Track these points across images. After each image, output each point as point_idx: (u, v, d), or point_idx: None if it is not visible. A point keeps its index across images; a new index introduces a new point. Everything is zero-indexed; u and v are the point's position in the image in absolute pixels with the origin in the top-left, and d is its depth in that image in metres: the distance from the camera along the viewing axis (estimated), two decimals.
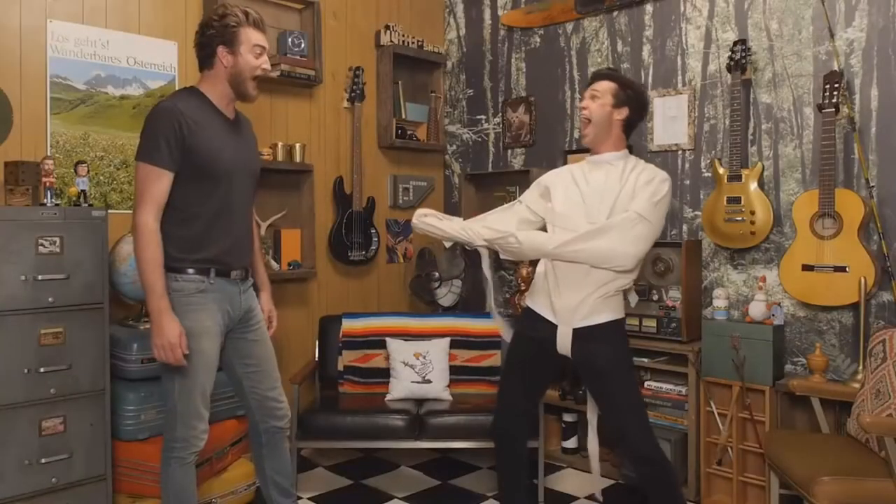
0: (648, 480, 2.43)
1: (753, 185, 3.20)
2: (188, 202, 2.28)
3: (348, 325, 3.66)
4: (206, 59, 2.35)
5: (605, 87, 2.49)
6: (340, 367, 3.63)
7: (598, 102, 2.48)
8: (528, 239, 2.47)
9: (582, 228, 2.40)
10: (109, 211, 2.87)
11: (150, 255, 2.20)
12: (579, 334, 2.43)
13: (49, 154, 3.01)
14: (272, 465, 2.64)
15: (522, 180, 4.15)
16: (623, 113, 2.48)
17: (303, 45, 3.77)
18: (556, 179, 2.59)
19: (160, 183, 2.22)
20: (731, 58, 3.23)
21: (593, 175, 2.50)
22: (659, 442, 2.51)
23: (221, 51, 2.31)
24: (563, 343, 2.45)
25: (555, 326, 2.47)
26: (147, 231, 2.20)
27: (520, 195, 4.18)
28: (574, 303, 2.41)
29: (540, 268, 2.57)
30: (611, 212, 2.40)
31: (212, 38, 2.31)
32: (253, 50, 2.32)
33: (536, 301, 2.56)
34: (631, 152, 2.56)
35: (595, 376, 2.47)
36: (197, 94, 2.35)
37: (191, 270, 2.29)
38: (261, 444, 2.62)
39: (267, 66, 2.38)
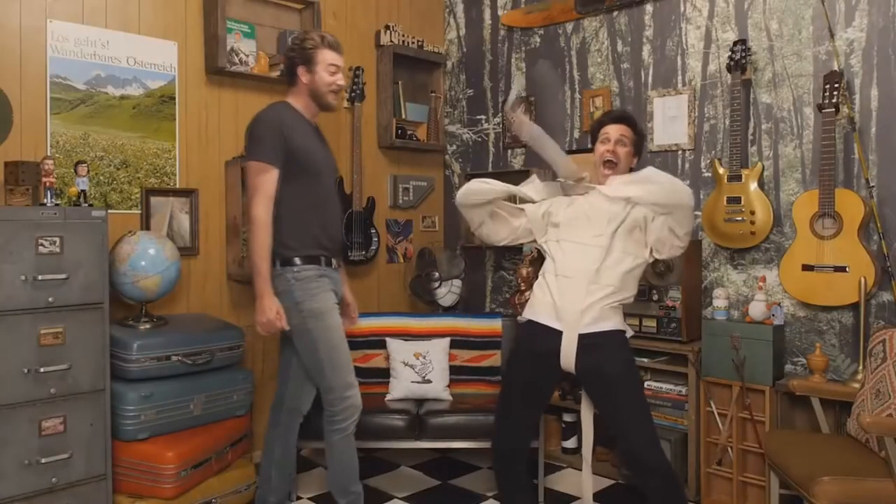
0: (657, 493, 2.37)
1: (753, 185, 3.20)
2: (299, 197, 2.61)
3: None
4: (290, 77, 2.71)
5: (630, 134, 2.60)
6: None
7: (626, 150, 2.58)
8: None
9: (586, 242, 2.44)
10: (109, 211, 2.87)
11: (261, 243, 2.51)
12: (585, 342, 2.38)
13: (49, 154, 3.01)
14: (284, 449, 2.82)
15: (522, 180, 4.13)
16: (635, 161, 2.65)
17: None
18: (555, 200, 2.64)
19: (269, 177, 2.54)
20: (731, 58, 3.23)
21: (597, 197, 2.52)
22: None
23: (301, 70, 2.66)
24: (568, 353, 2.39)
25: (559, 336, 2.41)
26: (260, 222, 2.51)
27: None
28: (580, 307, 2.39)
29: (540, 281, 2.56)
30: (617, 227, 2.43)
31: (293, 60, 2.67)
32: (328, 68, 2.66)
33: (538, 312, 2.51)
34: None
35: (602, 386, 2.42)
36: (288, 106, 2.70)
37: (312, 259, 2.62)
38: (279, 422, 2.82)
39: (341, 81, 2.71)
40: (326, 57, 2.65)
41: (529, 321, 2.54)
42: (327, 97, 2.69)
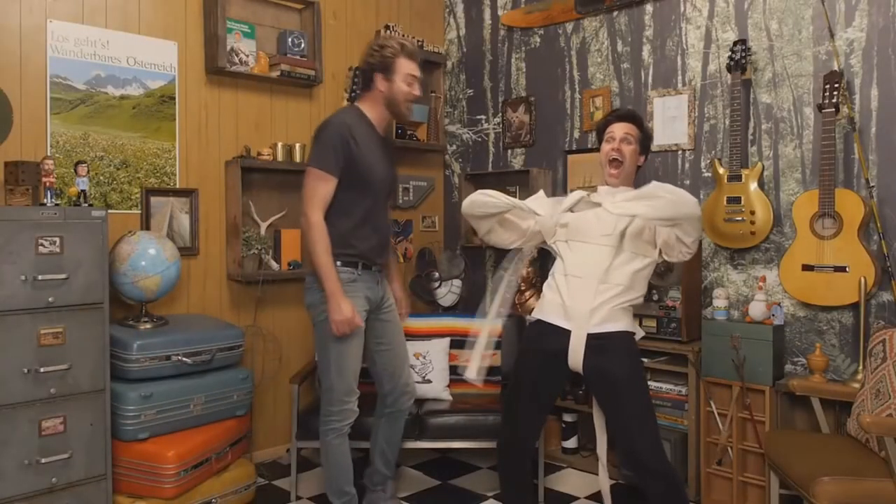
0: (660, 496, 2.35)
1: (753, 185, 3.20)
2: (346, 205, 2.67)
3: None
4: (366, 83, 2.73)
5: (635, 132, 2.58)
6: None
7: (631, 148, 2.56)
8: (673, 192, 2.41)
9: (596, 242, 2.43)
10: (109, 211, 2.87)
11: (321, 244, 2.60)
12: (593, 342, 2.38)
13: (49, 154, 3.01)
14: (385, 435, 2.98)
15: (522, 180, 4.15)
16: (642, 160, 2.63)
17: (303, 45, 3.77)
18: (570, 199, 2.59)
19: (327, 185, 2.61)
20: (731, 58, 3.23)
21: (607, 199, 2.51)
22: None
23: (378, 77, 2.67)
24: (576, 351, 2.39)
25: (567, 334, 2.41)
26: (318, 226, 2.60)
27: (519, 195, 4.22)
28: (589, 307, 2.39)
29: (549, 281, 2.56)
30: (626, 227, 2.41)
31: (371, 66, 2.69)
32: (406, 78, 2.68)
33: (547, 312, 2.51)
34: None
35: (608, 387, 2.41)
36: (359, 113, 2.73)
37: (342, 263, 2.67)
38: (382, 414, 2.97)
39: (417, 92, 2.74)
40: (405, 66, 2.67)
41: (538, 321, 2.54)
42: (402, 107, 2.72)
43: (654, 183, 2.41)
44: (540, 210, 2.57)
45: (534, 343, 2.55)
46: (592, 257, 2.43)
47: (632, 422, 2.37)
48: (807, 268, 3.01)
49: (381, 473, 3.03)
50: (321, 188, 2.61)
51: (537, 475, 3.26)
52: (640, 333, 2.51)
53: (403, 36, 4.28)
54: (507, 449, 2.59)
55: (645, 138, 2.63)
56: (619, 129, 2.58)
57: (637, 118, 2.63)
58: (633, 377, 2.41)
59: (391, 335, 2.91)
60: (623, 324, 2.42)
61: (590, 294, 2.40)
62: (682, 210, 2.31)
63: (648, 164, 3.64)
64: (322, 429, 2.75)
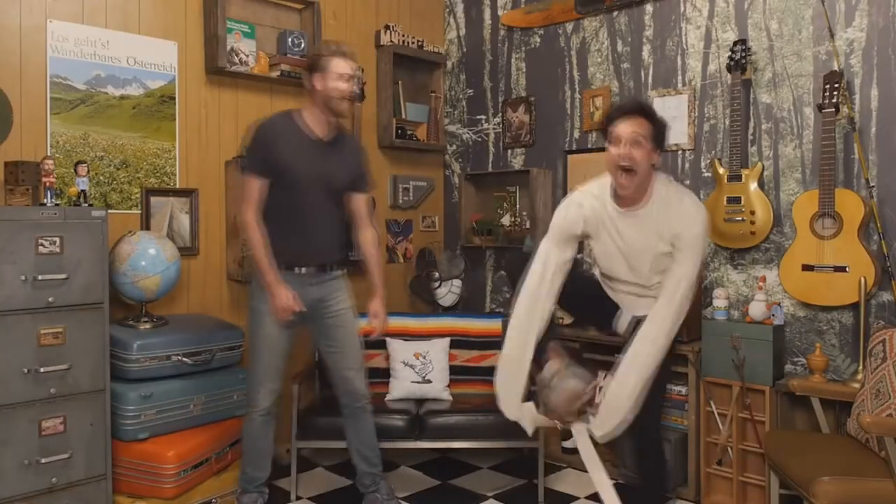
0: (653, 466, 2.52)
1: (753, 185, 3.20)
2: (271, 205, 2.76)
3: None
4: (307, 85, 2.78)
5: (647, 129, 2.26)
6: None
7: (643, 151, 2.23)
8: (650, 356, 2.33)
9: (624, 277, 2.45)
10: (109, 211, 2.87)
11: (255, 240, 2.72)
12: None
13: (49, 154, 3.01)
14: (355, 436, 3.03)
15: (522, 180, 4.15)
16: (657, 158, 2.31)
17: (303, 45, 3.77)
18: (590, 215, 2.43)
19: (253, 186, 2.74)
20: (731, 58, 3.23)
21: (628, 231, 2.37)
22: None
23: (315, 77, 2.74)
24: (623, 323, 2.52)
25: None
26: (247, 223, 2.74)
27: (519, 195, 4.21)
28: (637, 307, 2.49)
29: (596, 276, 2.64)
30: (651, 265, 2.38)
31: (308, 68, 2.79)
32: (339, 77, 2.73)
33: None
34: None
35: None
36: (290, 114, 2.82)
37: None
38: (345, 416, 3.03)
39: (352, 89, 2.78)
40: (337, 66, 2.74)
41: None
42: (336, 103, 2.75)
43: (684, 282, 2.30)
44: (553, 258, 2.45)
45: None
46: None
47: (649, 395, 2.37)
48: (807, 268, 3.01)
49: (367, 474, 3.04)
50: (249, 188, 2.75)
51: (537, 475, 3.26)
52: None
53: (403, 36, 4.29)
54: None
55: (658, 133, 2.28)
56: (626, 130, 2.25)
57: (646, 110, 2.30)
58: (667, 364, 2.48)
59: (340, 338, 2.93)
60: None
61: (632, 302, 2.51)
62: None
63: None
64: (245, 412, 2.92)
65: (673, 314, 2.31)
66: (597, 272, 2.66)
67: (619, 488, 3.38)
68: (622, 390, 2.27)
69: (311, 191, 2.78)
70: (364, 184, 2.98)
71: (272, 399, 2.86)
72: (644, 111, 2.29)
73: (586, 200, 2.46)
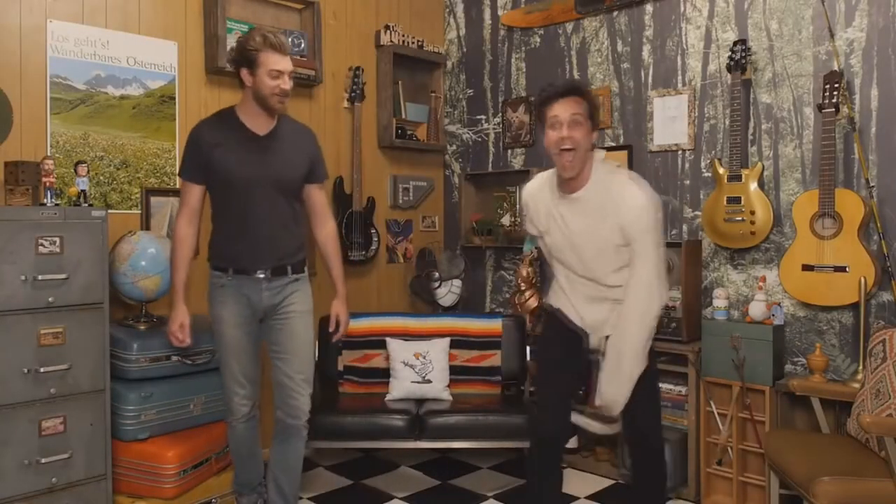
0: (649, 470, 2.48)
1: (753, 185, 3.20)
2: (216, 208, 2.66)
3: None
4: (239, 79, 2.59)
5: (584, 108, 2.27)
6: (340, 367, 3.63)
7: (582, 130, 2.25)
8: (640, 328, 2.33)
9: (581, 272, 2.38)
10: (109, 211, 2.87)
11: (175, 256, 2.66)
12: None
13: (49, 154, 3.01)
14: (279, 460, 2.70)
15: (522, 180, 4.14)
16: (595, 136, 2.32)
17: (303, 45, 3.77)
18: (539, 209, 2.45)
19: (188, 192, 2.63)
20: (731, 58, 3.23)
21: (573, 219, 2.34)
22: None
23: (244, 73, 2.54)
24: (596, 342, 2.44)
25: (586, 332, 2.44)
26: (178, 235, 2.65)
27: (519, 195, 4.21)
28: (601, 318, 2.40)
29: (557, 276, 2.51)
30: (600, 257, 2.33)
31: (236, 62, 2.57)
32: (271, 73, 2.50)
33: (566, 306, 2.48)
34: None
35: None
36: (227, 113, 2.65)
37: (216, 268, 2.67)
38: (275, 432, 2.74)
39: (285, 86, 2.55)
40: (269, 61, 2.49)
41: (558, 310, 2.51)
42: (270, 101, 2.54)
43: (647, 275, 2.28)
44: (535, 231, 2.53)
45: (555, 324, 2.50)
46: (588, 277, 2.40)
47: (647, 402, 2.42)
48: (807, 268, 3.01)
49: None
50: (185, 196, 2.65)
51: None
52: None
53: (403, 36, 4.29)
54: (546, 438, 2.48)
55: (594, 110, 2.30)
56: (563, 111, 2.24)
57: (580, 90, 2.29)
58: (651, 364, 2.42)
59: (283, 342, 2.69)
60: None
61: (597, 301, 2.40)
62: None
63: (649, 166, 3.65)
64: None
65: (646, 307, 2.30)
66: (559, 275, 2.50)
67: (619, 488, 3.40)
68: (618, 363, 2.33)
69: (255, 190, 2.58)
70: (317, 174, 2.76)
71: (249, 404, 2.69)
72: (579, 90, 2.29)
73: (531, 198, 2.48)
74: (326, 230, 2.81)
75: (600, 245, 2.31)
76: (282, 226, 2.66)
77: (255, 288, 2.63)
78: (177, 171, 2.59)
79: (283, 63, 2.52)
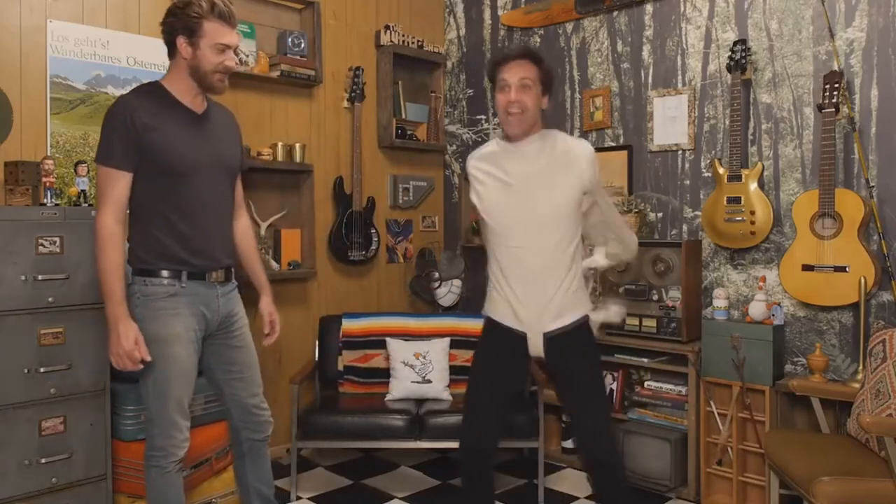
0: (607, 484, 2.36)
1: (753, 185, 3.20)
2: (153, 201, 2.19)
3: (348, 325, 3.66)
4: (169, 48, 2.23)
5: (534, 73, 2.26)
6: (340, 367, 3.63)
7: (531, 94, 2.25)
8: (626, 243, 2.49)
9: (514, 222, 2.29)
10: None
11: (108, 259, 2.11)
12: (550, 339, 2.31)
13: (49, 154, 3.01)
14: (255, 474, 2.52)
15: None
16: (545, 102, 2.32)
17: (303, 45, 3.77)
18: (479, 167, 2.39)
19: (118, 183, 2.14)
20: (731, 58, 3.23)
21: (516, 167, 2.31)
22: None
23: (181, 41, 2.18)
24: (536, 347, 2.34)
25: (523, 334, 2.33)
26: (107, 234, 2.11)
27: None
28: (540, 308, 2.29)
29: (493, 271, 2.38)
30: (544, 206, 2.27)
31: (172, 28, 2.19)
32: (216, 46, 2.17)
33: (497, 310, 2.38)
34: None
35: (568, 383, 2.39)
36: (157, 88, 2.24)
37: (162, 273, 2.20)
38: (242, 453, 2.50)
39: (230, 63, 2.22)
40: (215, 32, 2.15)
41: (490, 318, 2.47)
42: (210, 79, 2.20)
43: (607, 201, 2.41)
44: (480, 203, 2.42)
45: (490, 334, 2.44)
46: (531, 252, 2.30)
47: (591, 410, 2.35)
48: (807, 268, 3.01)
49: None
50: (110, 188, 2.12)
51: (537, 475, 3.26)
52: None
53: (403, 36, 4.28)
54: (469, 453, 2.40)
55: (546, 76, 2.29)
56: (512, 75, 2.23)
57: (533, 55, 2.29)
58: (592, 369, 2.38)
59: (243, 361, 2.41)
60: (578, 310, 2.34)
61: (537, 286, 2.29)
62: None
63: (649, 166, 3.65)
64: (145, 464, 2.27)
65: (629, 232, 2.51)
66: (494, 268, 2.38)
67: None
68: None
69: (203, 177, 2.23)
70: (244, 161, 2.49)
71: (187, 444, 2.26)
72: (532, 55, 2.30)
73: (474, 164, 2.42)
74: (244, 223, 2.54)
75: (547, 192, 2.27)
76: (228, 218, 2.39)
77: (210, 295, 2.28)
78: (101, 158, 2.13)
79: (231, 37, 2.20)
